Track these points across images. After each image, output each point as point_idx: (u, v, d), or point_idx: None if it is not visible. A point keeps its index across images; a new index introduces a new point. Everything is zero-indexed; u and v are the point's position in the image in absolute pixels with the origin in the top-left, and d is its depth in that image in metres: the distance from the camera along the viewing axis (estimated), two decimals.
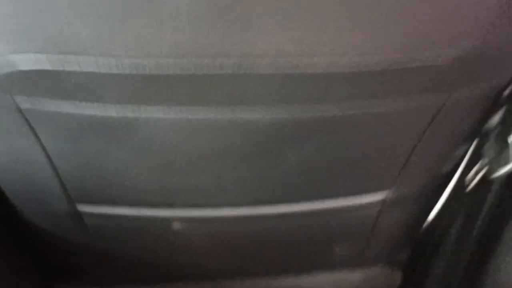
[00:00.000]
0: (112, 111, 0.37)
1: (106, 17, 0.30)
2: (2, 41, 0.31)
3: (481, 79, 0.40)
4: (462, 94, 0.41)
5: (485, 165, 0.53)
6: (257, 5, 0.30)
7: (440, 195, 0.65)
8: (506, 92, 0.45)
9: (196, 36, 0.31)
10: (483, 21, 0.33)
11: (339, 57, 0.33)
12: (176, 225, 0.55)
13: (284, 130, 0.41)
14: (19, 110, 0.38)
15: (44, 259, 0.65)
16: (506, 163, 0.50)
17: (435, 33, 0.32)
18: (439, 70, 0.35)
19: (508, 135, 0.49)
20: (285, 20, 0.31)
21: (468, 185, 0.56)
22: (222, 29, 0.30)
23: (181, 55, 0.32)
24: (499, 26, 0.34)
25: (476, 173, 0.54)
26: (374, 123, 0.42)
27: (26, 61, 0.32)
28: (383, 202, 0.57)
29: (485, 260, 0.62)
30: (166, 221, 0.54)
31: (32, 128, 0.40)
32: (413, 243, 0.77)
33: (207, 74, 0.34)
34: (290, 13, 0.30)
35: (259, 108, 0.38)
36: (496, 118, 0.50)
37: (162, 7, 0.29)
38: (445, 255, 0.72)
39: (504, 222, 0.57)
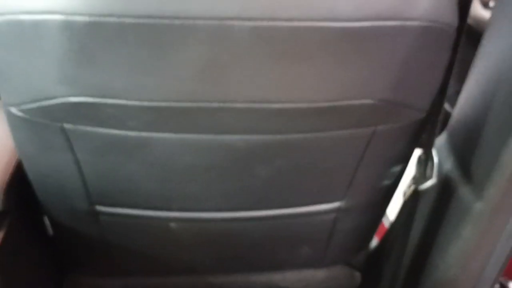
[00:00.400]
0: (131, 133, 0.52)
1: (132, 70, 0.45)
2: (61, 85, 0.46)
3: (398, 118, 0.55)
4: (385, 128, 0.56)
5: (415, 179, 0.68)
6: (232, 66, 0.45)
7: (387, 205, 0.80)
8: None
9: (193, 85, 0.46)
10: (389, 80, 0.49)
11: (290, 103, 0.48)
12: (172, 225, 0.69)
13: (254, 152, 0.56)
14: (63, 130, 0.52)
15: (61, 251, 0.79)
16: (429, 178, 0.65)
17: (354, 88, 0.48)
18: (360, 113, 0.51)
19: (427, 156, 0.64)
20: (252, 77, 0.46)
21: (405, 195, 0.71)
22: (209, 82, 0.46)
23: (182, 99, 0.47)
24: (401, 82, 0.49)
25: (410, 186, 0.69)
26: (321, 147, 0.57)
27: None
28: (337, 210, 0.71)
29: (422, 261, 0.76)
30: (165, 221, 0.69)
31: (70, 143, 0.55)
32: (369, 247, 0.91)
33: (198, 109, 0.49)
34: (256, 74, 0.46)
35: (235, 136, 0.53)
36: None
37: (171, 66, 0.44)
38: (393, 258, 0.86)
39: (434, 227, 0.72)
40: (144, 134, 0.52)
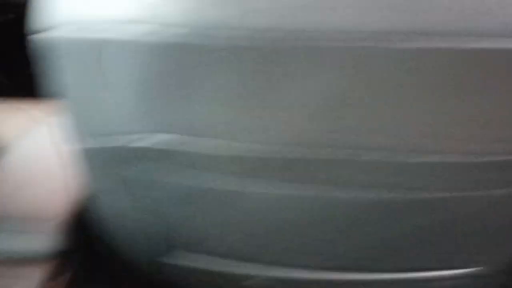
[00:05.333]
0: (214, 183, 0.39)
1: (234, 105, 0.32)
2: (139, 121, 0.34)
3: None
4: None
5: None
6: (373, 102, 0.31)
7: None
8: None
9: (310, 128, 0.32)
10: None
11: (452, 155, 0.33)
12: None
13: (380, 211, 0.41)
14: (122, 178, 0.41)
15: None
16: None
17: None
18: None
19: None
20: (403, 119, 0.31)
21: None
22: (334, 124, 0.32)
23: (295, 145, 0.33)
24: None
25: None
26: (479, 207, 0.41)
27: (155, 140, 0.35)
28: (477, 276, 0.54)
29: None
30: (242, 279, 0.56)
31: (131, 192, 0.43)
32: None
33: (315, 159, 0.35)
34: (408, 114, 0.31)
35: (358, 192, 0.39)
36: None
37: (282, 99, 0.31)
38: None
39: None
40: (230, 187, 0.39)
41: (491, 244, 0.49)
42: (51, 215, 0.55)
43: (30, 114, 0.64)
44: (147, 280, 0.60)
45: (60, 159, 0.48)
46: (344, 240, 0.48)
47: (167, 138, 0.34)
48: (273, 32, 0.26)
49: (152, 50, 0.28)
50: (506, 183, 0.38)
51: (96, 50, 0.30)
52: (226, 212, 0.44)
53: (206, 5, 0.26)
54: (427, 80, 0.30)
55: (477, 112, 0.32)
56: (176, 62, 0.29)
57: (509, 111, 0.31)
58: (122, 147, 0.38)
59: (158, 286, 0.61)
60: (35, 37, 0.30)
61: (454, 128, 0.33)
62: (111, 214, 0.51)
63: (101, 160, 0.42)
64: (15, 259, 0.55)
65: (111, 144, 0.39)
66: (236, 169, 0.37)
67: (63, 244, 0.55)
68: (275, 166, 0.36)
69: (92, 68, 0.32)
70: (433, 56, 0.28)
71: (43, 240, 0.54)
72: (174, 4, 0.27)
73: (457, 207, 0.41)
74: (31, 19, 0.31)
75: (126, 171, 0.42)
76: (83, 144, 0.41)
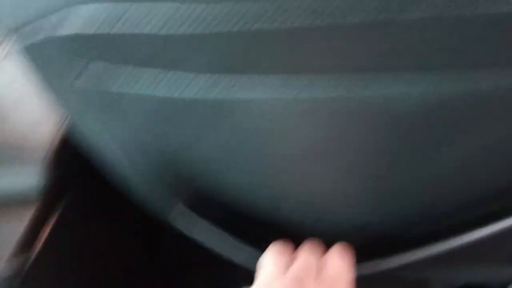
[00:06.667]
0: (196, 89, 0.25)
1: None
2: None
3: None
4: None
5: None
6: None
7: None
8: None
9: None
10: None
11: None
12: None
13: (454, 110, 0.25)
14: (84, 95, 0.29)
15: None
16: None
17: None
18: None
19: None
20: None
21: None
22: None
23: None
24: None
25: None
26: None
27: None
28: None
29: None
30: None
31: (86, 106, 0.31)
32: None
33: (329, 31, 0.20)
34: None
35: (416, 77, 0.23)
36: None
37: None
38: None
39: None
40: (218, 87, 0.25)
41: None
42: (37, 146, 0.47)
43: None
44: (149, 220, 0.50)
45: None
46: (388, 178, 0.32)
47: (98, 9, 0.21)
48: None
49: None
50: None
51: None
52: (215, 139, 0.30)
53: None
54: None
55: None
56: None
57: None
58: (48, 40, 0.26)
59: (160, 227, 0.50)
60: None
61: None
62: (91, 141, 0.40)
63: (45, 68, 0.31)
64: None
65: (35, 38, 0.26)
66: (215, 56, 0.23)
67: (53, 180, 0.46)
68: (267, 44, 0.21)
69: None
70: None
71: (31, 176, 0.46)
72: None
73: None
74: None
75: (77, 81, 0.29)
76: (19, 42, 0.29)
